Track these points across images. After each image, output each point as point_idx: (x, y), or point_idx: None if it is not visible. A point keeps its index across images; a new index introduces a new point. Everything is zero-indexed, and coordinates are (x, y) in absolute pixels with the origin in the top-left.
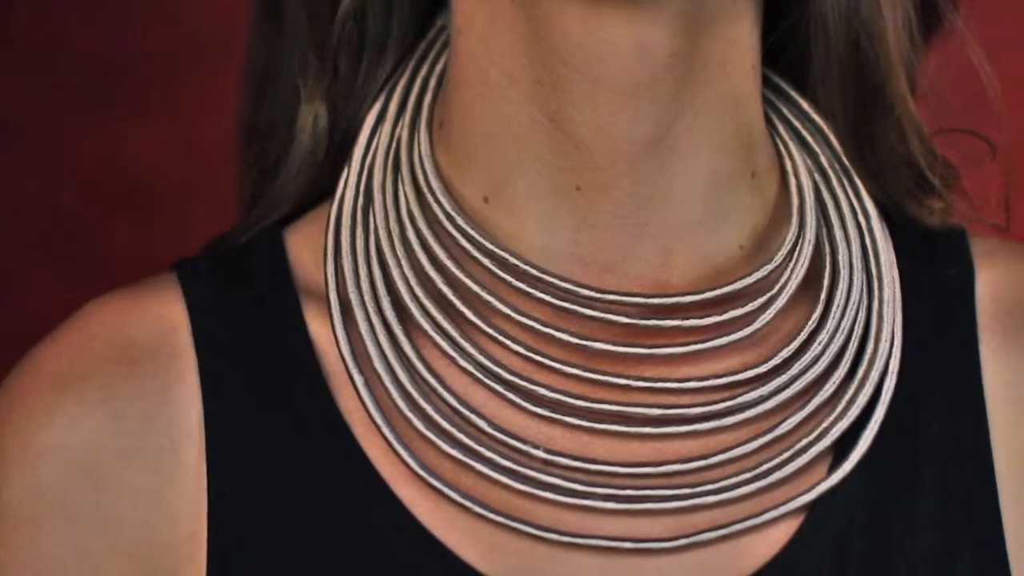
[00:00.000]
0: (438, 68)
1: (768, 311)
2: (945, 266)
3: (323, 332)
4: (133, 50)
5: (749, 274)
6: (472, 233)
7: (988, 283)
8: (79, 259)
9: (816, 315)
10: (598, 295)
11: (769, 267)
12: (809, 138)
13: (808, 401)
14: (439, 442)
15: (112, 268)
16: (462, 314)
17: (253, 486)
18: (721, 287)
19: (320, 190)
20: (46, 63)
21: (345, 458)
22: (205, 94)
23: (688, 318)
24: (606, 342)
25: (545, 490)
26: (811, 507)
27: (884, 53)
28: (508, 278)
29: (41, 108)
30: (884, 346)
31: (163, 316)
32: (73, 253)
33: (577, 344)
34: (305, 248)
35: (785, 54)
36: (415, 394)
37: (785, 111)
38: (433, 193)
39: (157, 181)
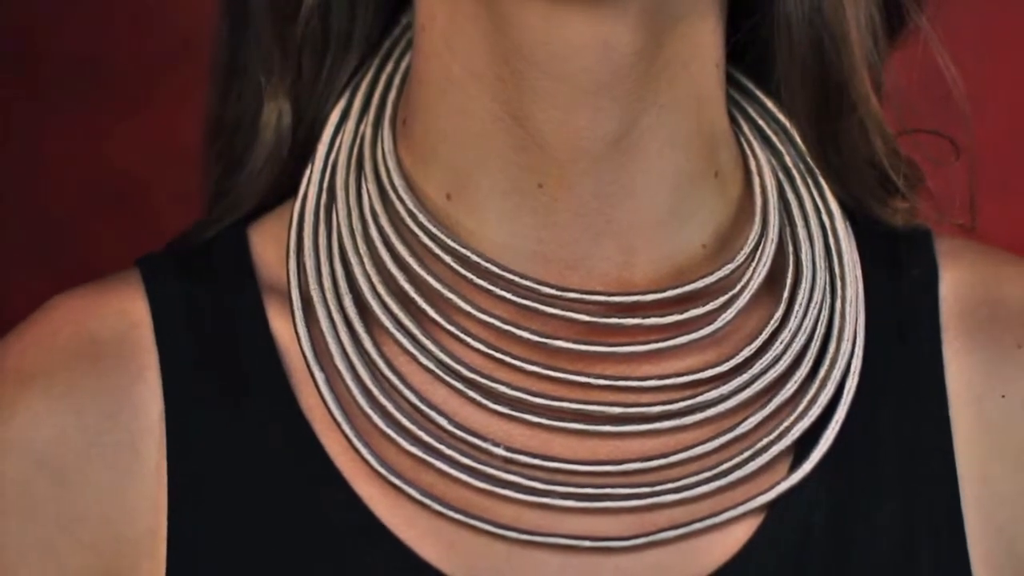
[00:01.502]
0: (403, 65)
1: (729, 310)
2: (909, 266)
3: (285, 329)
4: (113, 48)
5: (711, 273)
6: (434, 231)
7: (952, 283)
8: (60, 257)
9: (778, 314)
10: (559, 293)
11: (731, 266)
12: (774, 137)
13: (769, 400)
14: (399, 439)
15: (93, 266)
16: (423, 311)
17: (213, 483)
18: (683, 286)
19: (285, 187)
20: (25, 61)
21: (305, 455)
22: (186, 92)
23: (649, 316)
24: (567, 340)
25: (505, 488)
26: (771, 507)
27: (847, 53)
28: (469, 276)
29: (21, 107)
30: (846, 346)
31: (125, 312)
32: (54, 251)
33: (538, 342)
34: (269, 245)
35: (749, 53)
36: (376, 391)
37: (750, 110)
38: (395, 190)
39: (138, 179)
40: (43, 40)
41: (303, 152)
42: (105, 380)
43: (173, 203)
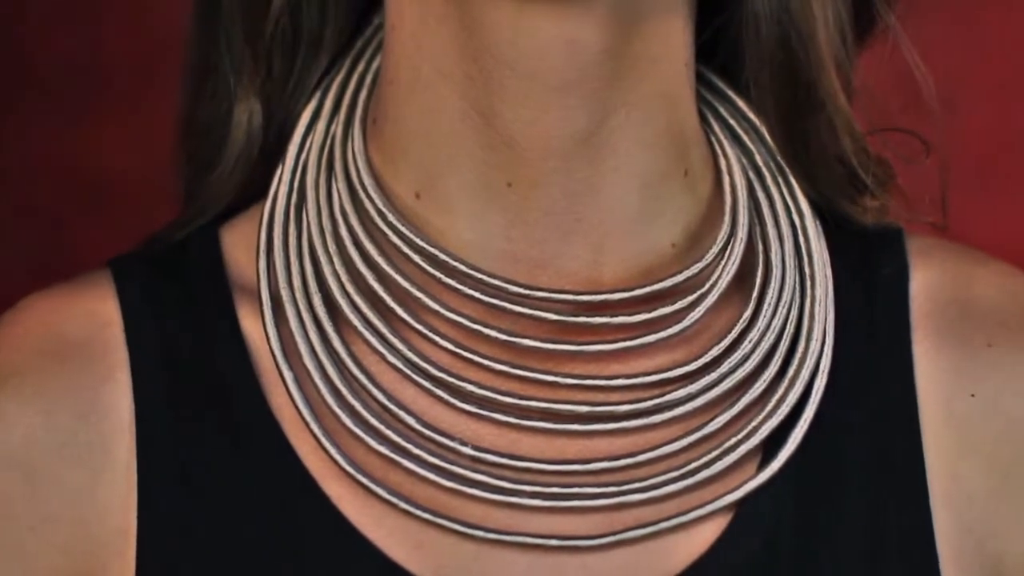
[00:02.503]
0: (374, 66)
1: (697, 309)
2: (880, 265)
3: (255, 329)
4: (105, 50)
5: (679, 272)
6: (403, 230)
7: (922, 282)
8: (50, 260)
9: (747, 314)
10: (528, 292)
11: (700, 265)
12: (744, 136)
13: (737, 400)
14: (368, 439)
15: (85, 267)
16: (392, 311)
17: (182, 482)
18: (651, 284)
19: (257, 188)
20: (16, 64)
21: (274, 455)
22: (174, 94)
23: (617, 315)
24: (535, 339)
25: (473, 487)
26: (739, 506)
27: (814, 50)
28: (438, 275)
29: (10, 109)
30: (815, 345)
31: (95, 312)
32: (44, 254)
33: (506, 341)
34: (240, 245)
35: (719, 51)
36: (344, 391)
37: (721, 109)
38: (365, 190)
39: (128, 181)
40: (34, 42)
41: (275, 152)
42: (75, 380)
43: (165, 204)
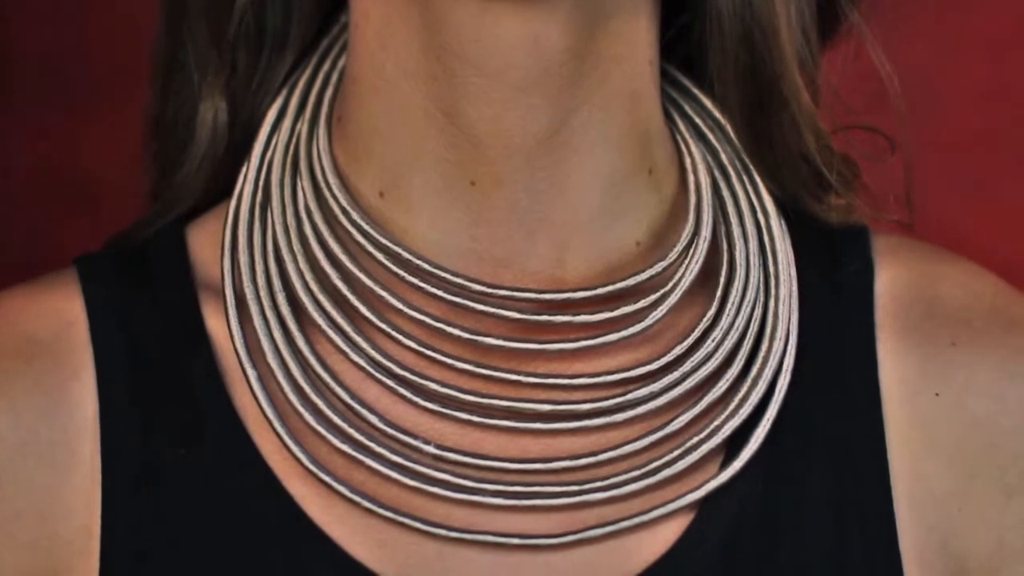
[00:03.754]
0: (340, 64)
1: (660, 308)
2: (845, 264)
3: (220, 327)
4: (89, 49)
5: (643, 270)
6: (367, 228)
7: (887, 280)
8: (33, 259)
9: (711, 312)
10: (490, 290)
11: (663, 264)
12: (709, 134)
13: (700, 399)
14: (331, 437)
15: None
16: (356, 309)
17: (146, 481)
18: (615, 283)
19: (224, 186)
20: None
21: (238, 453)
22: None
23: (580, 314)
24: (498, 338)
25: (435, 486)
26: (701, 505)
27: (777, 48)
28: (402, 273)
29: None
30: (779, 344)
31: (61, 311)
32: (27, 253)
33: (469, 339)
34: (206, 244)
35: (683, 49)
36: (308, 389)
37: (686, 107)
38: (330, 188)
39: (111, 181)
40: (17, 41)
41: (241, 151)
42: (40, 379)
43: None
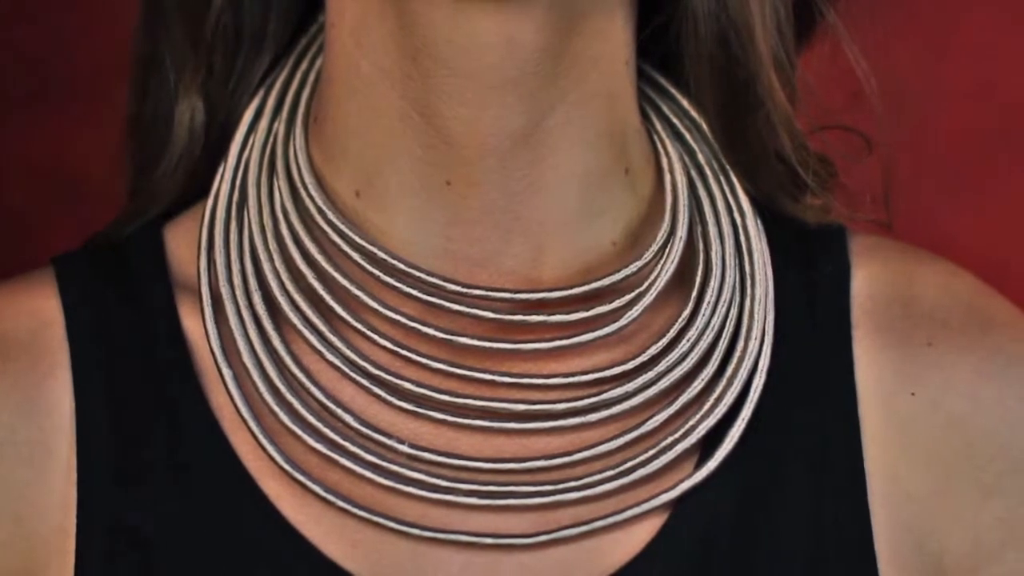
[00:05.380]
0: (318, 64)
1: (635, 308)
2: (821, 264)
3: (196, 327)
4: (74, 47)
5: (618, 270)
6: (342, 228)
7: (864, 280)
8: (22, 257)
9: (686, 312)
10: (466, 290)
11: (639, 263)
12: (686, 134)
13: (675, 399)
14: (306, 437)
15: None
16: (332, 309)
17: (121, 481)
18: (590, 283)
19: (201, 185)
20: None
21: (213, 453)
22: None
23: (555, 314)
24: (472, 337)
25: (409, 485)
26: (676, 505)
27: (752, 48)
28: (377, 273)
29: None
30: (754, 344)
31: (37, 311)
32: (15, 252)
33: (444, 339)
34: (183, 243)
35: (660, 49)
36: (283, 389)
37: (663, 107)
38: (306, 188)
39: (100, 179)
40: (2, 39)
41: (218, 150)
42: (17, 378)
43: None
